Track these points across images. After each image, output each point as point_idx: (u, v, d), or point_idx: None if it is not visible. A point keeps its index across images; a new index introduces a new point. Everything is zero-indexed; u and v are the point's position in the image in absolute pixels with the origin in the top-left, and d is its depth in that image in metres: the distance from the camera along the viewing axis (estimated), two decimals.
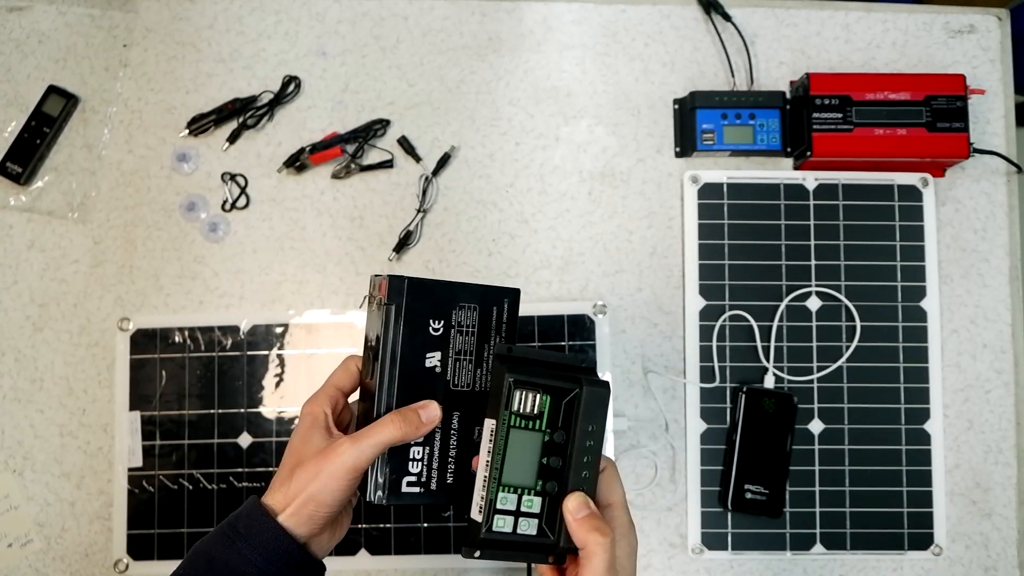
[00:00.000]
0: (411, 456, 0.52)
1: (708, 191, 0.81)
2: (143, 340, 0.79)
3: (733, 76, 0.83)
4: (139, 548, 0.77)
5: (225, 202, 0.81)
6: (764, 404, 0.77)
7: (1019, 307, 0.81)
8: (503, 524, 0.47)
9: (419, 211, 0.81)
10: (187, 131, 0.82)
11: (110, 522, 0.78)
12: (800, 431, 0.78)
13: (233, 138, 0.82)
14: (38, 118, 0.81)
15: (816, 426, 0.79)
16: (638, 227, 0.81)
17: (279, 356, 0.79)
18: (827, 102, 0.78)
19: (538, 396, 0.47)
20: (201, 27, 0.83)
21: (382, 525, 0.77)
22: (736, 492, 0.76)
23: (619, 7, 0.84)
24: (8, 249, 0.81)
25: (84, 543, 0.78)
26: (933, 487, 0.78)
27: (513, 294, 0.55)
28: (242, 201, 0.81)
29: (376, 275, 0.54)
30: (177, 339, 0.79)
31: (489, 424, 0.48)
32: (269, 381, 0.79)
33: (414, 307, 0.52)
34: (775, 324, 0.79)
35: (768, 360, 0.79)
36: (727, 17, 0.82)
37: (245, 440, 0.78)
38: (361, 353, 0.56)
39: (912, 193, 0.81)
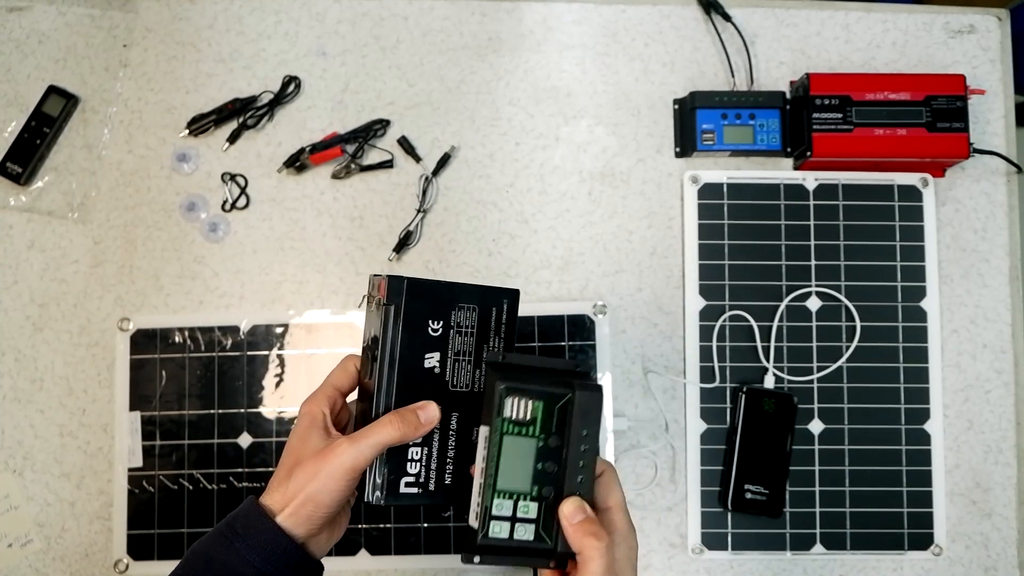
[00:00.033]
0: (409, 457, 0.52)
1: (708, 191, 0.81)
2: (143, 340, 0.79)
3: (733, 76, 0.83)
4: (139, 548, 0.77)
5: (225, 202, 0.81)
6: (764, 404, 0.77)
7: (1019, 307, 0.81)
8: (499, 530, 0.47)
9: (419, 211, 0.81)
10: (187, 131, 0.82)
11: (110, 522, 0.78)
12: (800, 431, 0.78)
13: (233, 138, 0.82)
14: (38, 118, 0.81)
15: (816, 426, 0.79)
16: (638, 227, 0.81)
17: (279, 356, 0.79)
18: (827, 102, 0.78)
19: (531, 402, 0.47)
20: (201, 27, 0.83)
21: (382, 525, 0.77)
22: (736, 492, 0.76)
23: (619, 7, 0.84)
24: (8, 249, 0.81)
25: (84, 543, 0.78)
26: (933, 487, 0.78)
27: (512, 295, 0.55)
28: (242, 201, 0.81)
29: (375, 275, 0.54)
30: (177, 339, 0.79)
31: (483, 431, 0.48)
32: (269, 381, 0.79)
33: (413, 307, 0.52)
34: (775, 324, 0.79)
35: (768, 360, 0.79)
36: (727, 17, 0.82)
37: (245, 440, 0.78)
38: (360, 353, 0.56)
39: (912, 193, 0.81)
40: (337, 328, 0.79)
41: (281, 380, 0.79)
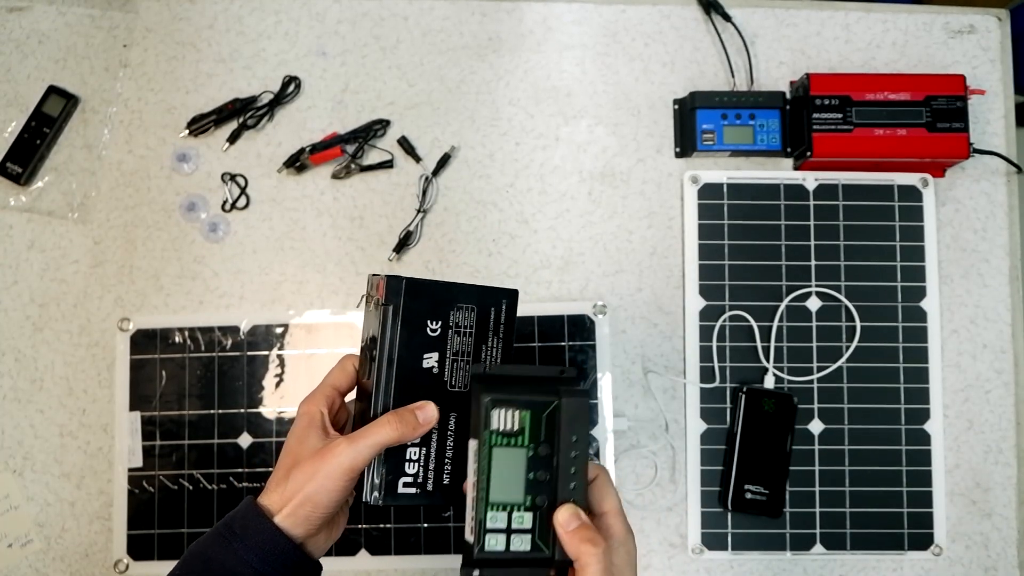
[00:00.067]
0: (407, 457, 0.52)
1: (708, 191, 0.81)
2: (143, 340, 0.79)
3: (733, 76, 0.83)
4: (139, 548, 0.77)
5: (225, 202, 0.81)
6: (764, 404, 0.77)
7: (1019, 307, 0.81)
8: (495, 543, 0.46)
9: (419, 211, 0.81)
10: (187, 131, 0.82)
11: (110, 522, 0.78)
12: (800, 431, 0.78)
13: (233, 138, 0.82)
14: (38, 118, 0.81)
15: (816, 426, 0.79)
16: (638, 227, 0.81)
17: (279, 356, 0.79)
18: (827, 102, 0.78)
19: (517, 412, 0.47)
20: (201, 27, 0.83)
21: (382, 525, 0.77)
22: (736, 492, 0.76)
23: (619, 7, 0.84)
24: (8, 249, 0.81)
25: (84, 543, 0.78)
26: (933, 487, 0.78)
27: (511, 295, 0.55)
28: (242, 201, 0.81)
29: (374, 275, 0.54)
30: (177, 339, 0.79)
31: (472, 445, 0.47)
32: (269, 381, 0.79)
33: (412, 307, 0.52)
34: (775, 324, 0.79)
35: (768, 360, 0.79)
36: (727, 17, 0.82)
37: (245, 440, 0.78)
38: (358, 353, 0.56)
39: (912, 193, 0.81)
40: (337, 328, 0.79)
41: (281, 380, 0.79)
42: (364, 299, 0.55)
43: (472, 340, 0.54)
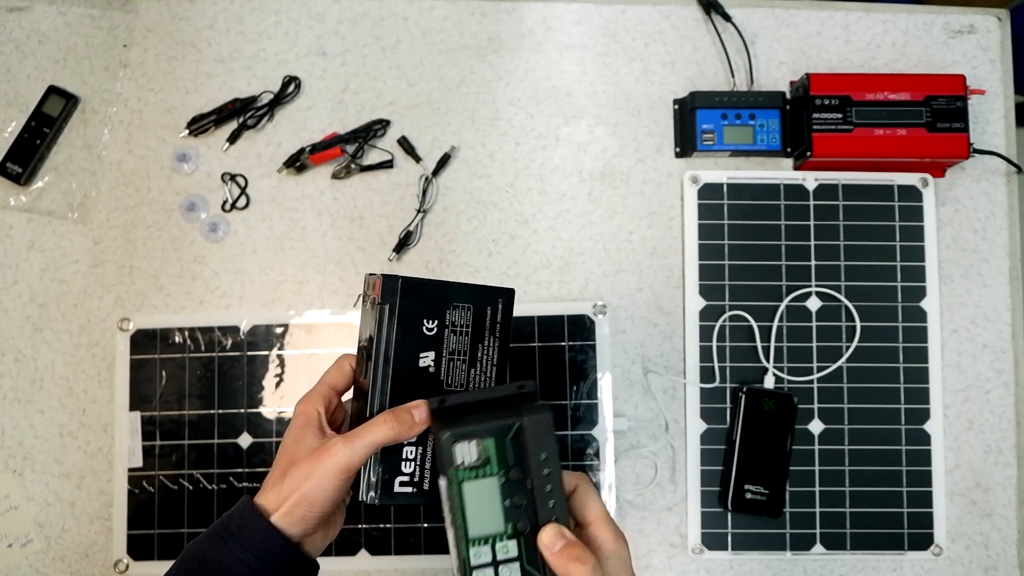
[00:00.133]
0: (404, 456, 0.52)
1: (708, 191, 0.81)
2: (143, 340, 0.79)
3: (733, 76, 0.83)
4: (139, 548, 0.77)
5: (225, 202, 0.81)
6: (764, 404, 0.77)
7: (1019, 307, 0.81)
8: None
9: (419, 211, 0.81)
10: (187, 131, 0.82)
11: (110, 522, 0.78)
12: (800, 431, 0.78)
13: (233, 138, 0.82)
14: (38, 118, 0.81)
15: (816, 426, 0.79)
16: (638, 227, 0.81)
17: (279, 356, 0.79)
18: (827, 102, 0.78)
19: (480, 443, 0.46)
20: (201, 27, 0.83)
21: (382, 525, 0.77)
22: (736, 492, 0.76)
23: (619, 7, 0.84)
24: (8, 249, 0.81)
25: (84, 543, 0.78)
26: (933, 487, 0.78)
27: (507, 294, 0.55)
28: (242, 201, 0.81)
29: (370, 274, 0.54)
30: (177, 339, 0.79)
31: (442, 483, 0.46)
32: (269, 381, 0.79)
33: (408, 307, 0.52)
34: (775, 324, 0.79)
35: (768, 360, 0.79)
36: (727, 17, 0.82)
37: (245, 440, 0.78)
38: (355, 352, 0.56)
39: (912, 193, 0.81)
40: (337, 328, 0.79)
41: (281, 380, 0.79)
42: (361, 299, 0.55)
43: (469, 339, 0.54)
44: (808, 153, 0.78)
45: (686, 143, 0.81)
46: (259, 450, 0.78)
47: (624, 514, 0.78)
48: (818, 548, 0.77)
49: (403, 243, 0.80)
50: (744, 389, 0.77)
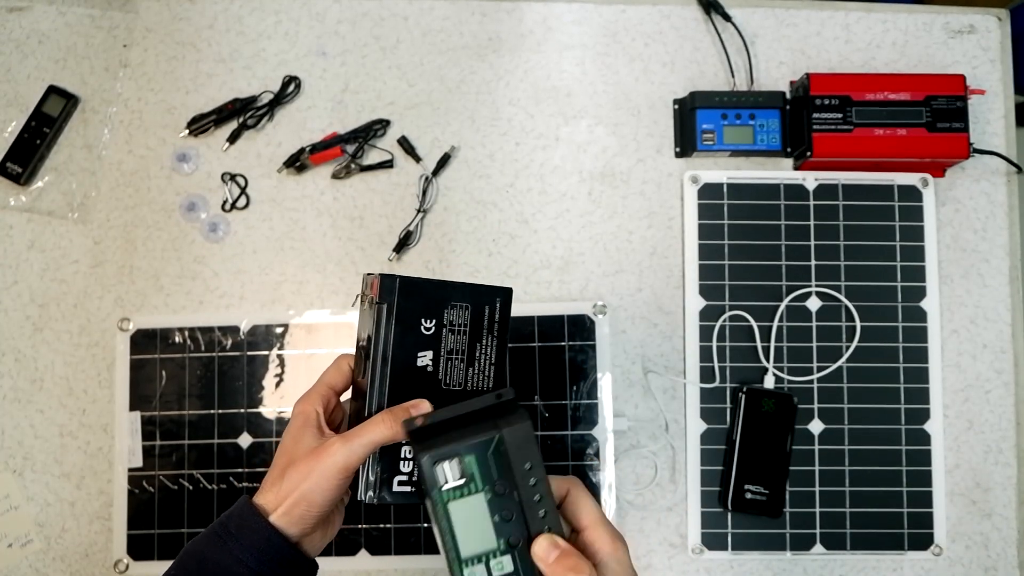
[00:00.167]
0: (402, 455, 0.52)
1: (708, 191, 0.81)
2: (143, 340, 0.79)
3: (733, 76, 0.83)
4: (139, 548, 0.77)
5: (225, 202, 0.81)
6: (764, 404, 0.77)
7: (1019, 307, 0.81)
8: None
9: (419, 211, 0.81)
10: (187, 131, 0.82)
11: (110, 522, 0.78)
12: (800, 431, 0.78)
13: (233, 138, 0.82)
14: (38, 118, 0.81)
15: (816, 426, 0.79)
16: (638, 227, 0.81)
17: (279, 356, 0.79)
18: (827, 102, 0.78)
19: (461, 461, 0.45)
20: (201, 27, 0.83)
21: (382, 525, 0.77)
22: (736, 492, 0.76)
23: (619, 7, 0.84)
24: (8, 249, 0.81)
25: (84, 543, 0.78)
26: (933, 487, 0.78)
27: (505, 293, 0.55)
28: (242, 201, 0.81)
29: (368, 274, 0.54)
30: (177, 339, 0.79)
31: (429, 505, 0.46)
32: (269, 381, 0.79)
33: (406, 306, 0.52)
34: (775, 324, 0.79)
35: (768, 360, 0.79)
36: (727, 17, 0.82)
37: (245, 440, 0.78)
38: (354, 352, 0.56)
39: (912, 193, 0.81)
40: (337, 328, 0.79)
41: (281, 380, 0.79)
42: (359, 298, 0.55)
43: (467, 338, 0.54)
44: (808, 153, 0.78)
45: (686, 143, 0.81)
46: (259, 450, 0.78)
47: (624, 514, 0.78)
48: (818, 548, 0.77)
49: (403, 243, 0.80)
50: (744, 389, 0.77)
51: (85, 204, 0.81)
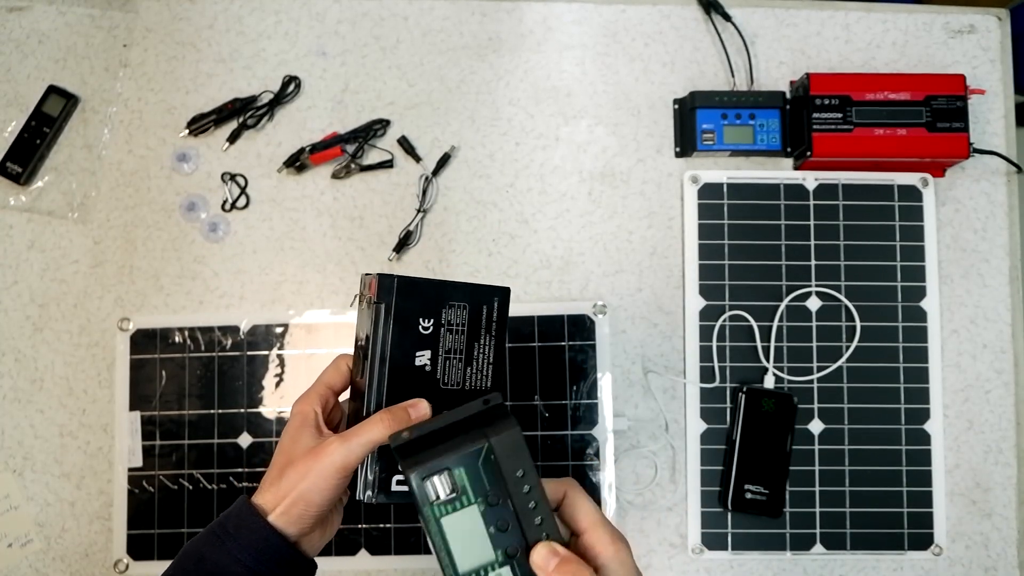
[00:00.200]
0: None
1: (708, 191, 0.81)
2: (143, 340, 0.79)
3: (733, 76, 0.83)
4: (139, 548, 0.77)
5: (225, 202, 0.81)
6: (764, 404, 0.77)
7: (1019, 307, 0.81)
8: None
9: (419, 211, 0.81)
10: (187, 131, 0.82)
11: (110, 522, 0.78)
12: (800, 431, 0.78)
13: (233, 138, 0.82)
14: (38, 118, 0.81)
15: (816, 426, 0.79)
16: (638, 227, 0.81)
17: (279, 356, 0.79)
18: (827, 102, 0.78)
19: (451, 474, 0.43)
20: (201, 27, 0.83)
21: (382, 525, 0.77)
22: (736, 492, 0.76)
23: (619, 7, 0.84)
24: (8, 249, 0.81)
25: (84, 543, 0.78)
26: (933, 487, 0.78)
27: (503, 293, 0.55)
28: (242, 201, 0.81)
29: (366, 274, 0.54)
30: (177, 339, 0.79)
31: (422, 522, 0.45)
32: (269, 381, 0.79)
33: (404, 306, 0.52)
34: (775, 324, 0.79)
35: (768, 360, 0.79)
36: (727, 17, 0.82)
37: (245, 440, 0.78)
38: (352, 352, 0.56)
39: (912, 193, 0.81)
40: (337, 328, 0.79)
41: (281, 380, 0.79)
42: (357, 298, 0.55)
43: (465, 338, 0.54)
44: (808, 153, 0.78)
45: (686, 143, 0.81)
46: (259, 450, 0.78)
47: (624, 514, 0.78)
48: (818, 548, 0.77)
49: (403, 243, 0.80)
50: (744, 389, 0.77)
51: (85, 204, 0.81)
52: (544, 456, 0.77)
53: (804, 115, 0.78)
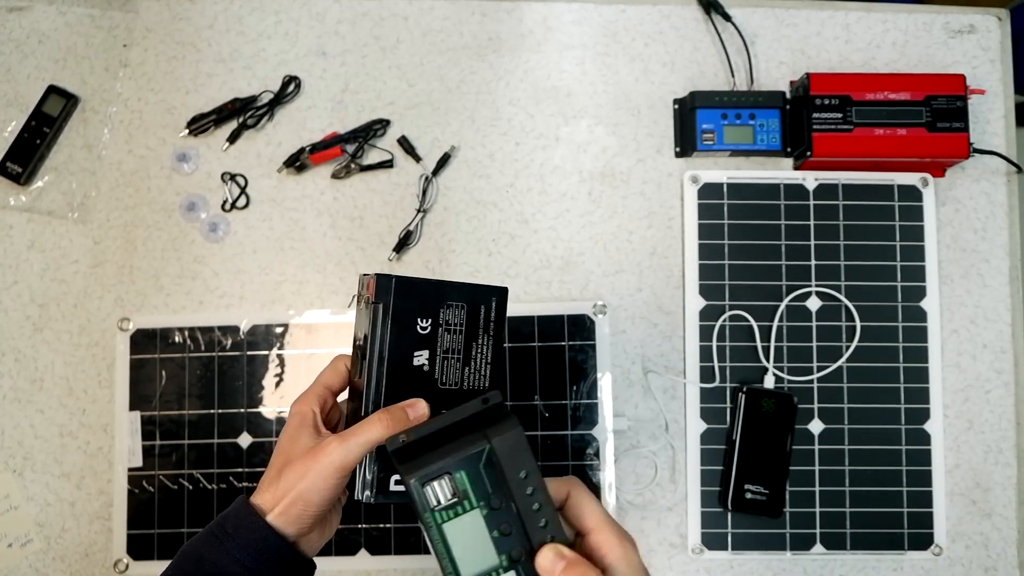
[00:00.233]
0: None
1: (708, 191, 0.81)
2: (143, 340, 0.79)
3: (733, 76, 0.83)
4: (139, 548, 0.77)
5: (225, 202, 0.81)
6: (764, 404, 0.77)
7: (1019, 307, 0.81)
8: None
9: (419, 211, 0.81)
10: (187, 131, 0.82)
11: (110, 522, 0.78)
12: (800, 431, 0.78)
13: (233, 138, 0.82)
14: (38, 118, 0.81)
15: (816, 426, 0.79)
16: (638, 227, 0.81)
17: (279, 356, 0.79)
18: (827, 102, 0.78)
19: (452, 478, 0.42)
20: (201, 27, 0.83)
21: (382, 525, 0.77)
22: (736, 492, 0.76)
23: (619, 7, 0.84)
24: (8, 249, 0.81)
25: (84, 543, 0.78)
26: (933, 487, 0.78)
27: (500, 293, 0.55)
28: (242, 201, 0.81)
29: (364, 274, 0.54)
30: (177, 339, 0.79)
31: (422, 528, 0.43)
32: (269, 381, 0.79)
33: (402, 306, 0.52)
34: (775, 324, 0.79)
35: (768, 360, 0.79)
36: (727, 17, 0.82)
37: (245, 440, 0.78)
38: (351, 352, 0.56)
39: (912, 193, 0.81)
40: (337, 328, 0.79)
41: (281, 380, 0.79)
42: (355, 299, 0.55)
43: (463, 338, 0.54)
44: (808, 153, 0.78)
45: (686, 143, 0.81)
46: (259, 450, 0.78)
47: (624, 514, 0.78)
48: (818, 548, 0.77)
49: (403, 243, 0.80)
50: (744, 389, 0.77)
51: (85, 204, 0.81)
52: (544, 456, 0.77)
53: (804, 115, 0.78)
